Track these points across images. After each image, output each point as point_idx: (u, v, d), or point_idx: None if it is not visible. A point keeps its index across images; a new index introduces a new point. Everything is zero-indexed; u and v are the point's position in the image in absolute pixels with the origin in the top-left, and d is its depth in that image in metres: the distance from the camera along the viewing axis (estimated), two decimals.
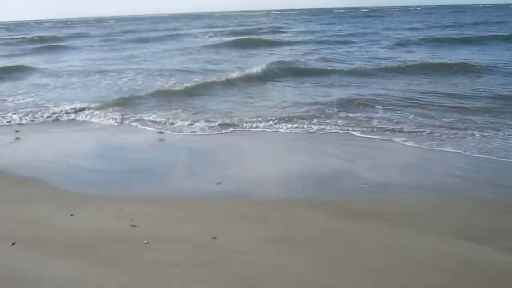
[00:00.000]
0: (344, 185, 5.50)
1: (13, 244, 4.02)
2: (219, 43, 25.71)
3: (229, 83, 12.78)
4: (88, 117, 9.48)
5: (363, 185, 5.35)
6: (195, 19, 69.62)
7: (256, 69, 14.25)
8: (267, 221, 4.50)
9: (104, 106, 10.21)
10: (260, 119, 8.69)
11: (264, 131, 8.04)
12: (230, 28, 41.20)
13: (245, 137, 7.79)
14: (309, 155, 6.71)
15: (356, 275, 3.48)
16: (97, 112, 9.75)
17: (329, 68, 15.38)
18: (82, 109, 9.93)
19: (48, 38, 35.70)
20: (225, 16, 74.47)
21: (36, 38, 36.20)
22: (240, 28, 40.49)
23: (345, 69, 14.91)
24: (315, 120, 8.47)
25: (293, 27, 40.46)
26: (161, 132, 8.14)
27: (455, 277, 3.40)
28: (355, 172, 5.87)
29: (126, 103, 10.60)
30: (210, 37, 32.39)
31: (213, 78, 13.31)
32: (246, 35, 31.23)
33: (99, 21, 79.87)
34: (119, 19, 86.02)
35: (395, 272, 3.50)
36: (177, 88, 12.07)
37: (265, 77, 13.71)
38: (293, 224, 4.43)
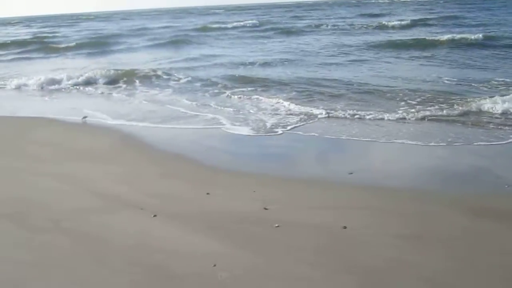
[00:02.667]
0: (483, 183, 5.06)
1: (154, 216, 4.29)
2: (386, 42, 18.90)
3: None
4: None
5: (506, 186, 4.81)
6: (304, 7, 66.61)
7: None
8: (398, 214, 4.29)
9: None
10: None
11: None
12: (363, 19, 35.06)
13: (380, 127, 7.45)
14: (444, 149, 6.22)
15: (497, 283, 3.12)
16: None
17: None
18: None
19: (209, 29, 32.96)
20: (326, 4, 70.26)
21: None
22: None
23: None
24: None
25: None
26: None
27: None
28: (495, 171, 5.35)
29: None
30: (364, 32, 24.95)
31: None
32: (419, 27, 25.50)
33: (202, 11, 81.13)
34: (226, 8, 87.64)
35: None
36: None
37: None
38: (425, 219, 4.16)
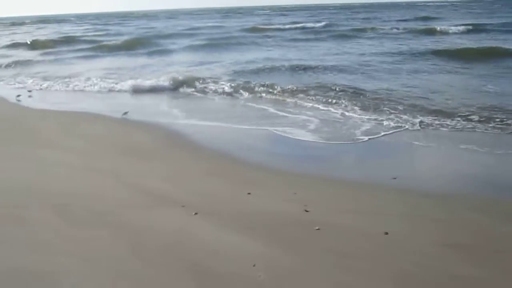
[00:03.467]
0: None
1: (195, 214, 4.33)
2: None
3: None
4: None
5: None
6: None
7: None
8: (443, 222, 4.16)
9: None
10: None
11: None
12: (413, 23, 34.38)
13: (424, 132, 7.26)
14: (492, 156, 6.02)
15: None
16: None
17: None
18: None
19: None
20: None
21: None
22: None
23: None
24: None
25: None
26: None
27: None
28: None
29: None
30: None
31: None
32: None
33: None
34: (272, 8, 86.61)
35: None
36: None
37: None
38: (474, 229, 4.02)
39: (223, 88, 11.70)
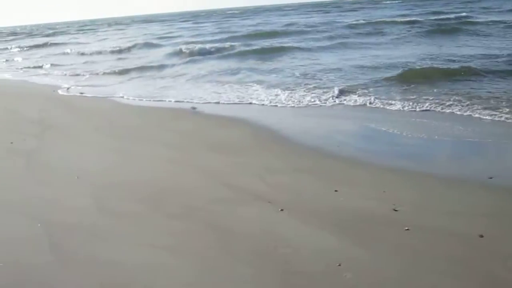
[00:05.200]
0: None
1: (281, 210, 4.38)
2: None
3: None
4: None
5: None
6: None
7: None
8: None
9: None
10: None
11: None
12: None
13: None
14: None
15: None
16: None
17: None
18: None
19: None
20: None
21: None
22: None
23: None
24: None
25: None
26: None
27: None
28: None
29: None
30: None
31: None
32: None
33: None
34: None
35: None
36: None
37: None
38: None
39: None
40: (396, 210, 4.24)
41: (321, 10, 60.49)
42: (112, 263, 3.59)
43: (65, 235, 4.07)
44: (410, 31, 21.85)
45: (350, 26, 27.84)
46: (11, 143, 7.17)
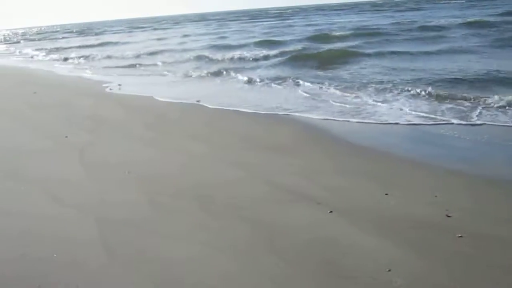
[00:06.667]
0: None
1: (330, 212, 4.33)
2: None
3: None
4: None
5: None
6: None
7: None
8: None
9: None
10: None
11: None
12: None
13: None
14: None
15: None
16: None
17: None
18: None
19: None
20: None
21: None
22: None
23: None
24: None
25: None
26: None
27: None
28: None
29: None
30: None
31: None
32: None
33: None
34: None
35: None
36: None
37: None
38: None
39: None
40: (449, 216, 4.12)
41: (371, 10, 59.05)
42: (162, 259, 3.66)
43: (117, 229, 4.18)
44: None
45: (438, 28, 25.48)
46: (66, 137, 7.43)
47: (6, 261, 3.71)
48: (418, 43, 20.11)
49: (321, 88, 11.54)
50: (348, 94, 10.41)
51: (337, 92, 10.83)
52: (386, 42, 21.16)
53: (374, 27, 29.86)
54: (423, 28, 25.95)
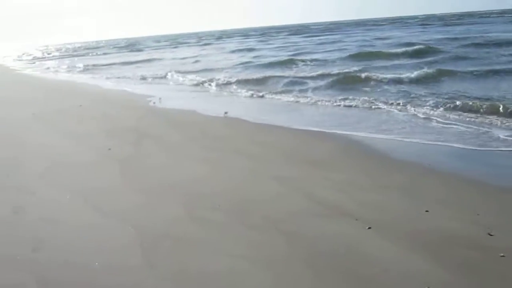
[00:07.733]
0: None
1: (369, 228, 4.30)
2: None
3: None
4: None
5: None
6: None
7: None
8: None
9: None
10: None
11: None
12: None
13: None
14: None
15: None
16: None
17: None
18: None
19: None
20: None
21: None
22: None
23: None
24: None
25: None
26: None
27: None
28: None
29: None
30: None
31: None
32: None
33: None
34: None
35: None
36: None
37: None
38: None
39: None
40: (491, 235, 4.01)
41: (421, 24, 57.30)
42: (201, 272, 3.72)
43: (156, 241, 4.27)
44: None
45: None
46: (109, 149, 7.64)
47: (50, 267, 3.85)
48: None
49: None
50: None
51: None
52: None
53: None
54: (491, 44, 23.76)
